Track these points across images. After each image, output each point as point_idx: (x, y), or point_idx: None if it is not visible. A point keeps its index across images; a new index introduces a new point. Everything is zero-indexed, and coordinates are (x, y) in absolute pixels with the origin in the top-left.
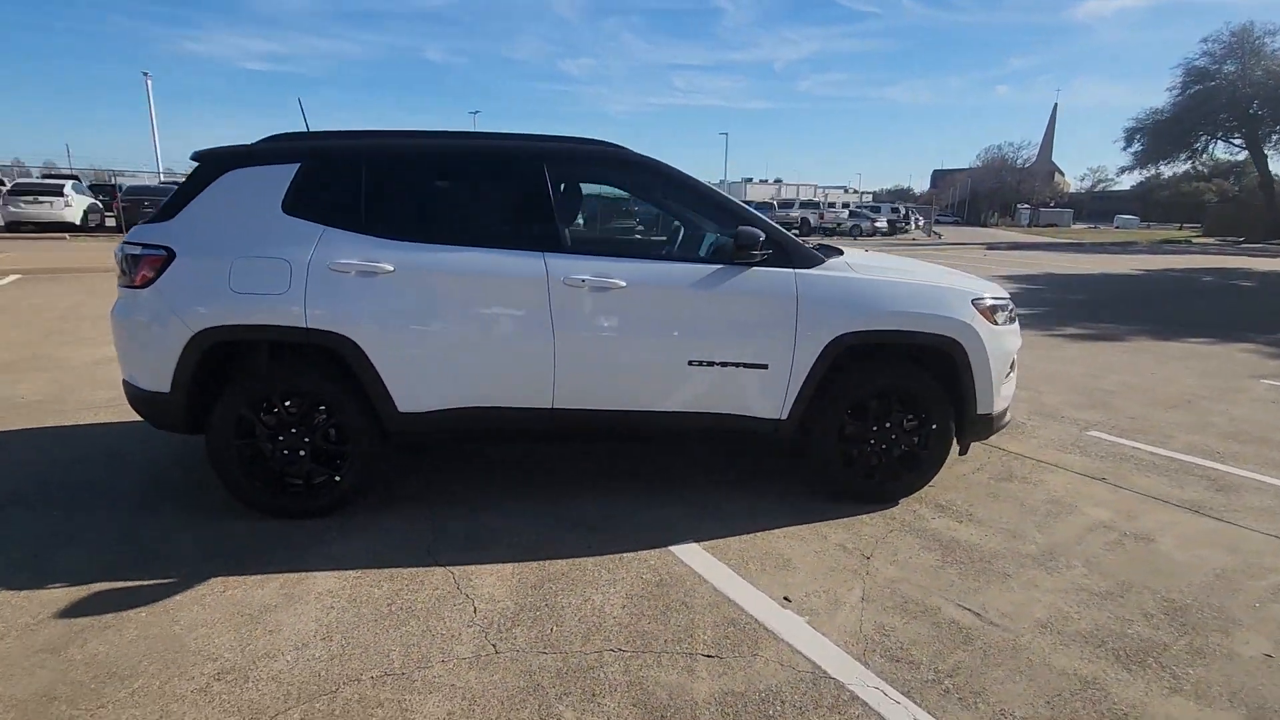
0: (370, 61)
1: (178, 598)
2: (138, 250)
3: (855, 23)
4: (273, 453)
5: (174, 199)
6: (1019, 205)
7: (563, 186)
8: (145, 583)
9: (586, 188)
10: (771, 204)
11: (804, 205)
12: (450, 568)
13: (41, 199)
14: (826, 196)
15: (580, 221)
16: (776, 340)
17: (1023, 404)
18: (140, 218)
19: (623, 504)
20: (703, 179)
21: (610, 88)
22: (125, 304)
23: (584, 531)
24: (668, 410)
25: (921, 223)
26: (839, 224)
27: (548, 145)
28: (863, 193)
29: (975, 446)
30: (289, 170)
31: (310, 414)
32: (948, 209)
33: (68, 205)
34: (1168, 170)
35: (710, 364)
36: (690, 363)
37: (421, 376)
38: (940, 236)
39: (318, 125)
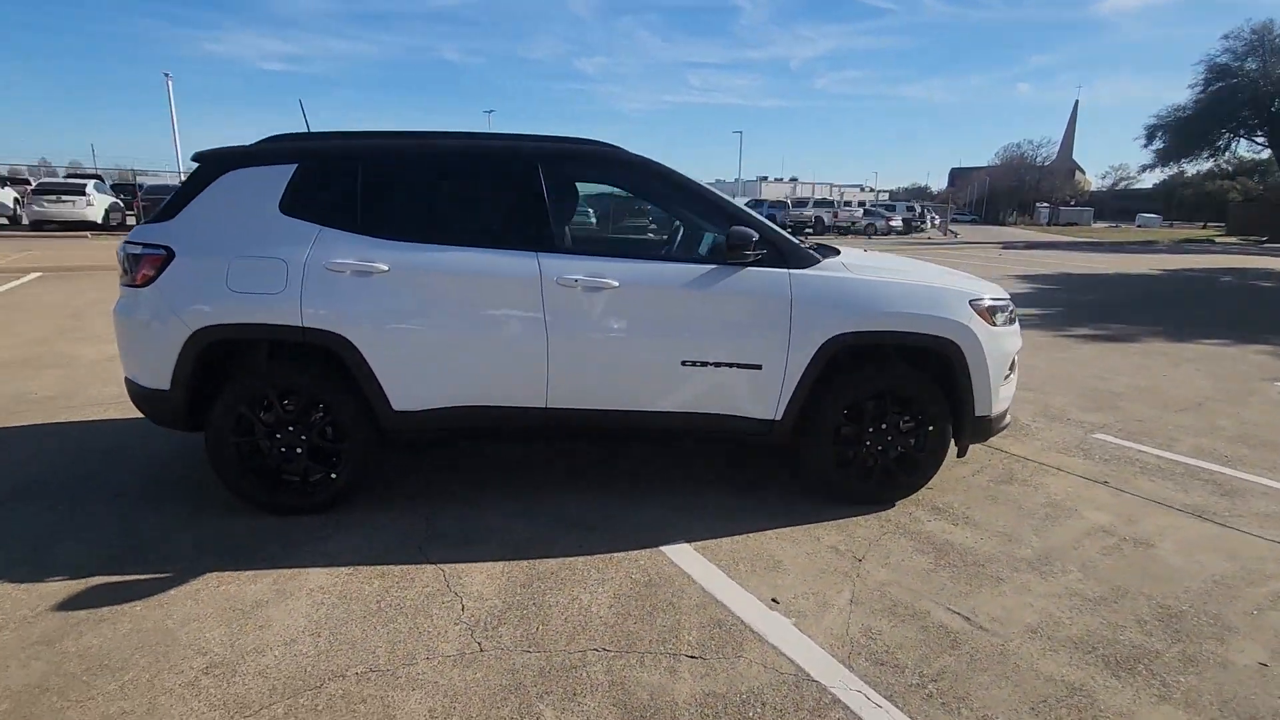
0: (386, 62)
1: (172, 592)
2: (138, 250)
3: (873, 19)
4: (270, 450)
5: (175, 199)
6: (1038, 204)
7: (557, 187)
8: (142, 577)
9: (600, 188)
10: (785, 203)
11: (818, 204)
12: (441, 565)
13: (64, 198)
14: (842, 195)
15: (593, 220)
16: (770, 341)
17: (1028, 406)
18: None
19: (617, 503)
20: (718, 178)
21: (625, 86)
22: (126, 303)
23: (576, 531)
24: (661, 410)
25: (937, 222)
26: (853, 223)
27: (542, 145)
28: (879, 191)
29: (976, 449)
30: (286, 171)
31: (307, 412)
32: (965, 208)
33: (89, 204)
34: (1191, 168)
35: (704, 364)
36: (684, 363)
37: (416, 375)
38: (956, 235)
39: (336, 125)
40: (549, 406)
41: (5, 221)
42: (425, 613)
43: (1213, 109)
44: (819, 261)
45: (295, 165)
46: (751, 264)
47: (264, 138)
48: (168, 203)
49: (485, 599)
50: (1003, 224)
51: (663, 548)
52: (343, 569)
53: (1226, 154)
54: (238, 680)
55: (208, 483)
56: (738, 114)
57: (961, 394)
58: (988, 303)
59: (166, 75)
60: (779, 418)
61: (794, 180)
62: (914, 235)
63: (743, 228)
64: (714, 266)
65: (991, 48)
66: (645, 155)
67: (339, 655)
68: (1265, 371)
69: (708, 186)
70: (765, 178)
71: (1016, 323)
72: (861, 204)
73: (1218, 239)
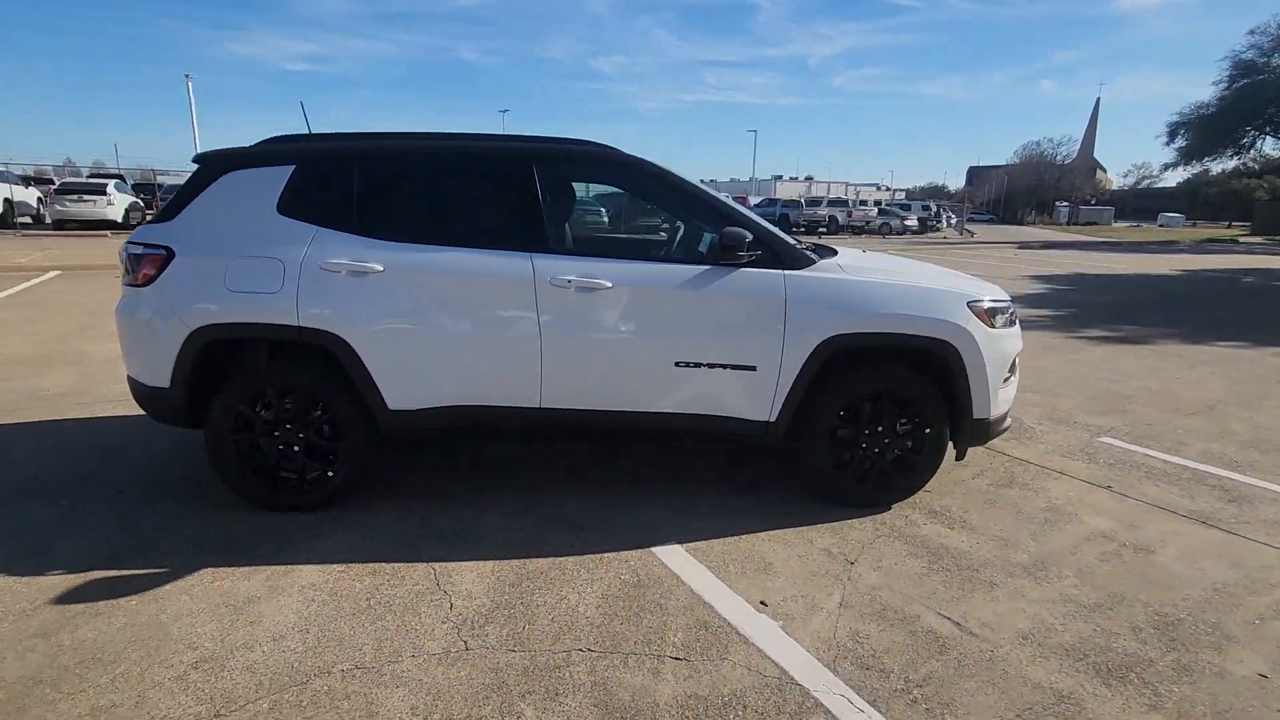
0: (406, 61)
1: (167, 587)
2: (140, 250)
3: (893, 17)
4: (268, 448)
5: (176, 199)
6: (1057, 203)
7: (552, 187)
8: (139, 572)
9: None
10: (799, 201)
11: (832, 203)
12: (433, 563)
13: (85, 198)
14: (858, 194)
15: (605, 219)
16: (764, 342)
17: (1034, 409)
18: None
19: (611, 504)
20: (733, 177)
21: (642, 85)
22: (128, 302)
23: (569, 530)
24: (656, 411)
25: (954, 221)
26: (867, 222)
27: (536, 146)
28: (895, 190)
29: (978, 452)
30: (285, 172)
31: (304, 410)
32: (983, 207)
33: (110, 204)
34: (1216, 166)
35: (697, 365)
36: (677, 364)
37: (411, 374)
38: (973, 235)
39: (356, 125)
40: (543, 406)
41: (29, 220)
42: (414, 611)
43: (1238, 106)
44: (814, 262)
45: (293, 166)
46: (746, 265)
47: (263, 139)
48: (169, 203)
49: (474, 598)
50: (1021, 223)
51: (654, 548)
52: (336, 566)
53: (1252, 151)
54: (225, 675)
55: (209, 480)
56: (754, 113)
57: (959, 396)
58: (986, 304)
59: (187, 76)
60: (773, 419)
61: (809, 179)
62: (929, 235)
63: (736, 228)
64: (708, 267)
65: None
66: (640, 155)
67: (326, 652)
68: None
69: (703, 187)
70: (780, 177)
71: (1017, 324)
72: (877, 203)
73: (1242, 239)
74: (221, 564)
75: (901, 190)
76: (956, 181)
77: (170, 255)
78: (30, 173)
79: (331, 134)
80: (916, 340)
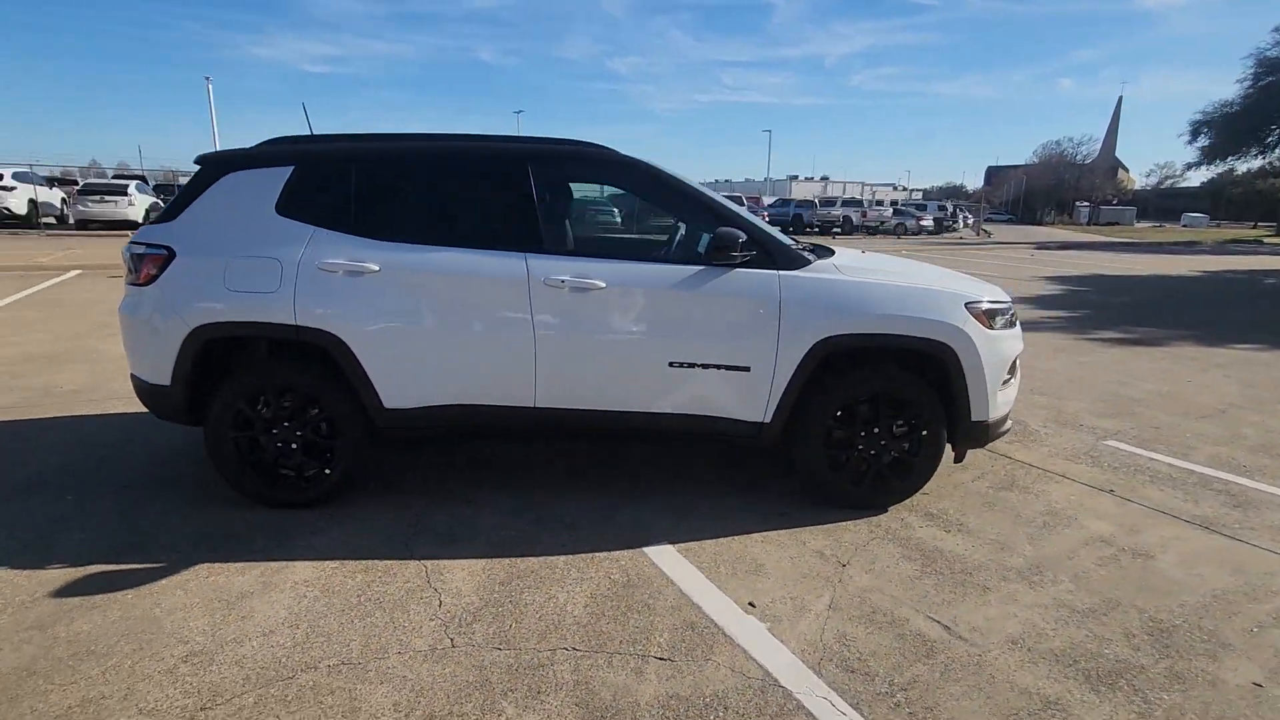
0: (424, 62)
1: (163, 582)
2: (142, 249)
3: (912, 15)
4: (267, 445)
5: (178, 200)
6: (1078, 203)
7: (548, 188)
8: (137, 567)
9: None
10: (813, 202)
11: (846, 203)
12: (425, 561)
13: (107, 198)
14: (874, 194)
15: (617, 219)
16: (759, 343)
17: (1040, 411)
18: None
19: (605, 503)
20: (747, 177)
21: (658, 85)
22: (131, 301)
23: (561, 529)
24: (650, 411)
25: (970, 221)
26: (882, 222)
27: (532, 146)
28: (911, 190)
29: (980, 454)
30: (283, 173)
31: (302, 409)
32: (1001, 207)
33: (131, 204)
34: (1241, 166)
35: (691, 365)
36: (671, 364)
37: (407, 373)
38: (990, 235)
39: (373, 126)
40: (538, 406)
41: (53, 221)
42: (403, 608)
43: (1263, 104)
44: (810, 263)
45: (292, 167)
46: (740, 265)
47: (264, 140)
48: (171, 203)
49: (463, 595)
50: (1040, 224)
51: (645, 548)
52: (329, 563)
53: (1278, 150)
54: (214, 669)
55: (210, 477)
56: (770, 112)
57: (957, 398)
58: (985, 305)
59: (207, 79)
60: (768, 420)
61: (825, 179)
62: (945, 235)
63: (729, 229)
64: (702, 268)
65: (1033, 42)
66: (643, 157)
67: (314, 647)
68: None
69: (699, 187)
70: (796, 176)
71: (1018, 325)
72: (893, 203)
73: (1267, 239)
74: (218, 559)
75: (919, 190)
76: (975, 181)
77: (171, 255)
78: (57, 174)
79: (331, 135)
80: (913, 341)
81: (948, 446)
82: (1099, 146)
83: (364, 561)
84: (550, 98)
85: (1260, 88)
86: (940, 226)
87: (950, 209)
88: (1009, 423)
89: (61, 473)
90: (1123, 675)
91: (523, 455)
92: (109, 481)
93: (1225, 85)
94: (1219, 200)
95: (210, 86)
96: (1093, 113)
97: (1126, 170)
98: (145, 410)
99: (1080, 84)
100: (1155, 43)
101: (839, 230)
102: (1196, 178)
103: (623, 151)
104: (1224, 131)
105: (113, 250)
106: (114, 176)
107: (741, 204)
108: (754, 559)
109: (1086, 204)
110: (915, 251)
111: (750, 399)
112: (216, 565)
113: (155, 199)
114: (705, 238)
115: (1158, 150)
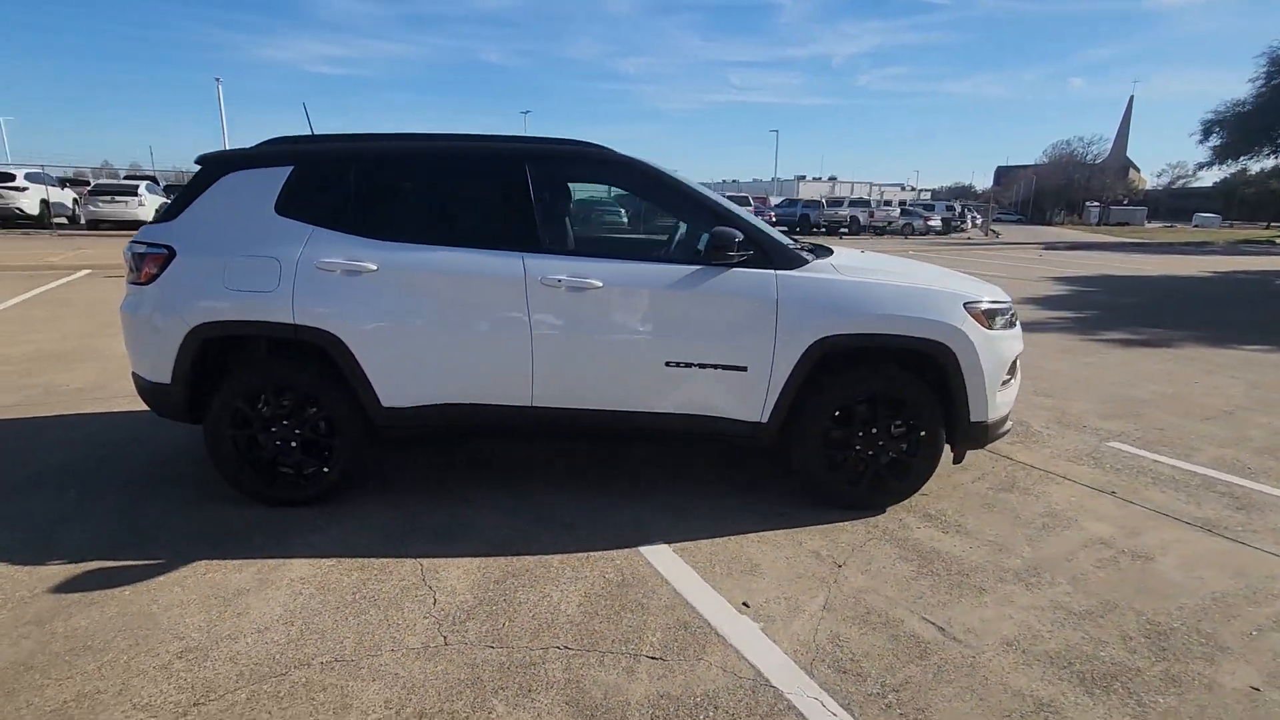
0: (431, 63)
1: (161, 579)
2: (143, 249)
3: (920, 15)
4: (266, 443)
5: (178, 199)
6: (1088, 203)
7: (546, 187)
8: (136, 563)
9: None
10: (820, 202)
11: (853, 204)
12: (420, 559)
13: (118, 199)
14: (882, 194)
15: (624, 219)
16: (756, 342)
17: (1043, 412)
18: None
19: (602, 502)
20: (755, 177)
21: (666, 85)
22: (132, 300)
23: (559, 528)
24: (647, 410)
25: (979, 221)
26: (889, 222)
27: (530, 146)
28: (920, 190)
29: (980, 455)
30: (283, 173)
31: (301, 407)
32: (1011, 207)
33: (141, 205)
34: (1254, 166)
35: (688, 365)
36: (668, 364)
37: (404, 372)
38: (998, 236)
39: (382, 126)
40: (535, 405)
41: (65, 221)
42: (397, 605)
43: (1275, 103)
44: (807, 263)
45: (291, 167)
46: (737, 264)
47: (263, 140)
48: (172, 203)
49: (457, 594)
50: (1049, 224)
51: (641, 548)
52: (325, 560)
53: None
54: (208, 665)
55: (211, 476)
56: (778, 112)
57: (955, 398)
58: (984, 306)
59: (217, 80)
60: (765, 420)
61: (833, 179)
62: (953, 236)
63: (726, 228)
64: (699, 267)
65: (1043, 41)
66: (642, 157)
67: (308, 644)
68: None
69: (697, 187)
70: (804, 177)
71: (1018, 326)
72: (900, 203)
73: (1279, 240)
74: (216, 556)
75: (927, 191)
76: (984, 181)
77: (171, 254)
78: (70, 175)
79: (330, 135)
80: (911, 341)
81: (946, 447)
82: (1110, 146)
83: (360, 559)
84: (557, 98)
85: (1273, 86)
86: (948, 227)
87: (958, 209)
88: (1009, 424)
89: (64, 470)
90: (1118, 678)
91: (523, 455)
92: (110, 479)
93: (1238, 84)
94: (1231, 200)
95: (220, 87)
96: (1104, 112)
97: (1138, 170)
98: (146, 409)
99: (1091, 83)
100: (1167, 41)
101: (846, 230)
102: (1209, 178)
103: (623, 151)
104: (1236, 131)
105: (123, 251)
106: (126, 177)
107: (748, 204)
108: (750, 559)
109: (1096, 204)
110: (922, 252)
111: (747, 399)
112: (214, 562)
113: (165, 199)
114: (704, 237)
115: (1169, 150)
